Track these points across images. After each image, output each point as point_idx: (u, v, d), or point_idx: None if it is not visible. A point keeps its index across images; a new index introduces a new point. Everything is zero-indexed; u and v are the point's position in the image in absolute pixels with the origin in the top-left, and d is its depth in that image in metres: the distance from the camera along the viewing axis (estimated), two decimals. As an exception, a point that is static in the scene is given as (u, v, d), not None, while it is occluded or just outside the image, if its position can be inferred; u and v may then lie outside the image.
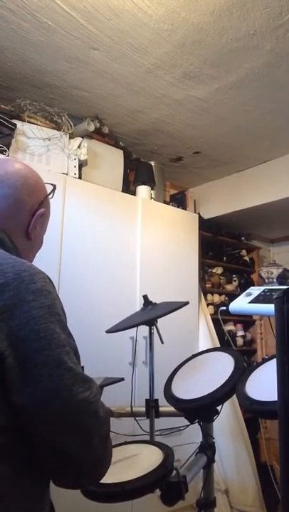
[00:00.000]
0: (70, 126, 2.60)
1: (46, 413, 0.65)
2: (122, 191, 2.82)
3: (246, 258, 4.17)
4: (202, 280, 3.51)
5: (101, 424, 0.70)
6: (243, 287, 3.86)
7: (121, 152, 2.93)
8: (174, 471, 1.19)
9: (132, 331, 1.74)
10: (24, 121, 2.42)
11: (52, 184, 0.98)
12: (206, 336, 3.08)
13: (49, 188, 0.98)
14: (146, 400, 1.58)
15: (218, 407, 1.50)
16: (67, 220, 2.39)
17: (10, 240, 0.84)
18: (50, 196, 0.97)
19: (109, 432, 0.74)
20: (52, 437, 0.66)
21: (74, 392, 0.66)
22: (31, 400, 0.65)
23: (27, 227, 0.89)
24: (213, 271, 3.79)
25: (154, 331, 1.61)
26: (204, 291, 3.51)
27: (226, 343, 3.20)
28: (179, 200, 3.53)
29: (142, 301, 1.68)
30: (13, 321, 0.66)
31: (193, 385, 1.52)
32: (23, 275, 0.71)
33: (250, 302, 1.41)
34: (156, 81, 2.35)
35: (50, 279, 0.77)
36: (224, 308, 1.54)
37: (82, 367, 1.11)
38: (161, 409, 1.59)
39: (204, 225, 3.53)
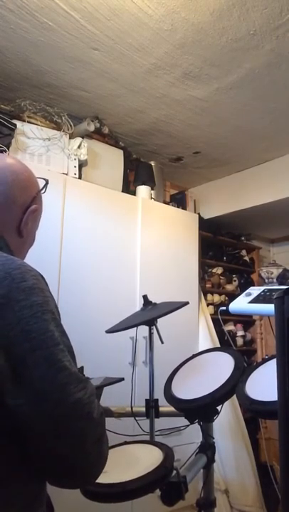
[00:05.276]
0: (70, 126, 2.60)
1: (38, 415, 0.64)
2: (122, 191, 2.82)
3: (246, 258, 4.17)
4: (202, 280, 3.51)
5: (95, 426, 0.68)
6: (243, 287, 3.86)
7: (121, 152, 2.93)
8: (174, 471, 1.19)
9: (132, 331, 1.74)
10: (24, 121, 2.42)
11: (44, 179, 0.96)
12: (206, 336, 3.08)
13: (41, 183, 0.95)
14: (146, 400, 1.58)
15: (218, 407, 1.50)
16: (67, 220, 2.39)
17: (1, 238, 0.82)
18: (43, 191, 0.94)
19: (105, 433, 0.72)
20: (44, 439, 0.65)
21: (67, 393, 0.65)
22: (23, 401, 0.64)
23: (19, 224, 0.87)
24: (213, 271, 3.79)
25: (154, 331, 1.61)
26: (204, 291, 3.52)
27: (226, 343, 3.20)
28: (179, 200, 3.53)
29: (142, 301, 1.68)
30: (3, 321, 0.65)
31: (193, 385, 1.52)
32: (14, 273, 0.70)
33: (250, 302, 1.41)
34: (156, 81, 2.35)
35: (42, 277, 0.75)
36: (224, 308, 1.54)
37: (82, 367, 1.11)
38: (161, 409, 1.59)
39: (204, 225, 3.53)
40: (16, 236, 0.87)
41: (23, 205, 0.87)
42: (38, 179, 0.95)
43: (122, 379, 1.48)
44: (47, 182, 0.96)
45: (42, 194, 0.95)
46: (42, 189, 0.94)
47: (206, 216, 3.70)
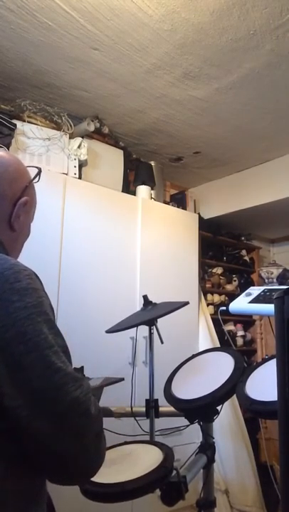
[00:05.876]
0: (70, 126, 2.60)
1: (38, 415, 0.64)
2: (122, 191, 2.82)
3: (246, 258, 4.17)
4: (202, 280, 3.51)
5: (93, 422, 0.68)
6: (243, 287, 3.86)
7: (121, 152, 2.93)
8: (174, 471, 1.19)
9: (132, 331, 1.74)
10: (24, 121, 2.42)
11: (37, 167, 0.93)
12: (206, 336, 3.08)
13: (33, 173, 0.92)
14: (146, 400, 1.58)
15: (218, 407, 1.50)
16: (67, 220, 2.39)
17: None
18: (36, 180, 0.92)
19: (102, 430, 0.72)
20: (43, 439, 0.65)
21: (64, 392, 0.65)
22: (20, 402, 0.64)
23: (10, 217, 0.85)
24: (213, 271, 3.79)
25: (154, 331, 1.61)
26: (204, 291, 3.52)
27: (226, 343, 3.20)
28: (179, 200, 3.53)
29: (142, 301, 1.68)
30: None
31: (193, 385, 1.52)
32: (7, 273, 0.69)
33: (250, 302, 1.41)
34: (156, 81, 2.35)
35: (36, 275, 0.74)
36: (224, 308, 1.54)
37: (82, 367, 1.11)
38: (161, 409, 1.59)
39: (204, 225, 3.53)
40: (8, 230, 0.85)
41: (13, 197, 0.85)
42: (30, 168, 0.92)
43: (122, 379, 1.48)
44: (40, 170, 0.93)
45: (35, 183, 0.92)
46: (34, 179, 0.92)
47: (206, 216, 3.70)
